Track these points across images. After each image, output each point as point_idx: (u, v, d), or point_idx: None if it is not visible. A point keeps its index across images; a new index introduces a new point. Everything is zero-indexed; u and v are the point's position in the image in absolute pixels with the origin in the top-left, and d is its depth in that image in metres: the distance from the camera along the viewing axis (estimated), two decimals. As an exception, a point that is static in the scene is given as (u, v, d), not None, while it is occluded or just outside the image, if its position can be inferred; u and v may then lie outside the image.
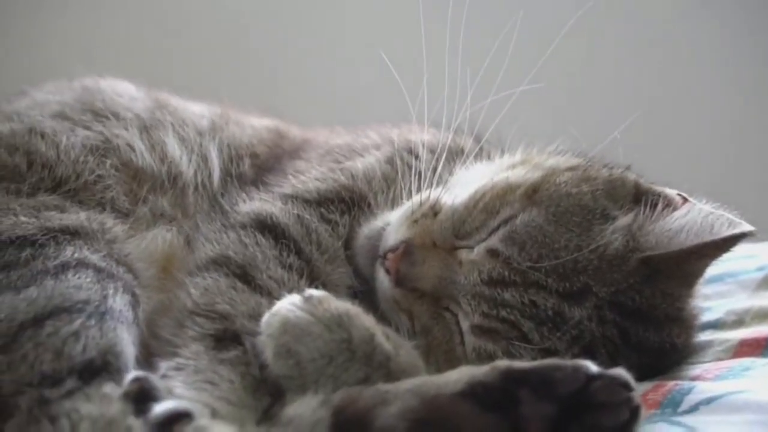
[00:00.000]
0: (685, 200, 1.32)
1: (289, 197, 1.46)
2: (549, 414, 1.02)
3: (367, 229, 1.43)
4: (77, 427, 1.04)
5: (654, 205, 1.31)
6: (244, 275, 1.30)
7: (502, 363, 1.09)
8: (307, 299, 1.17)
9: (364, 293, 1.38)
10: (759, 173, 3.14)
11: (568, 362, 1.05)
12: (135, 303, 1.26)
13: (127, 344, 1.18)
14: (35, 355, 1.11)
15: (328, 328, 1.14)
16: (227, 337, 1.21)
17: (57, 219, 1.32)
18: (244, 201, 1.47)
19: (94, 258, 1.27)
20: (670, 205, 1.32)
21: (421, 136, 1.55)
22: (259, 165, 1.60)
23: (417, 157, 1.51)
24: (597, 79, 3.24)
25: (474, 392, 1.06)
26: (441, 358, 1.28)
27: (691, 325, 1.37)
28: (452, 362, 1.23)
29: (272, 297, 1.24)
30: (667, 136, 3.11)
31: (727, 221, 1.25)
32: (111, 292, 1.22)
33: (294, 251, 1.36)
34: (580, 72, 3.16)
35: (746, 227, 1.25)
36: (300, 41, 3.40)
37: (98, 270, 1.25)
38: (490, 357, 1.22)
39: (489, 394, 1.05)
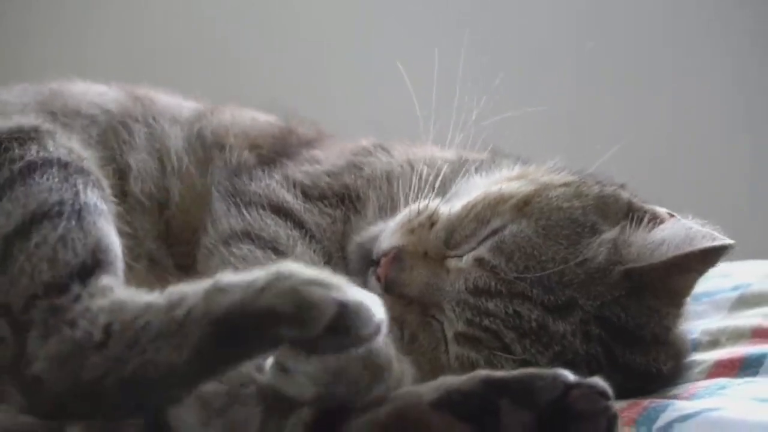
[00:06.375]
0: (672, 217, 1.33)
1: (298, 184, 1.48)
2: (528, 423, 1.02)
3: (359, 236, 1.44)
4: (95, 322, 1.03)
5: (641, 220, 1.32)
6: (275, 250, 1.33)
7: (482, 372, 1.09)
8: None
9: None
10: (744, 193, 3.19)
11: (547, 371, 1.05)
12: (105, 197, 1.25)
13: (110, 234, 1.17)
14: (31, 267, 1.10)
15: (372, 376, 1.09)
16: None
17: (16, 119, 1.31)
18: (253, 180, 1.49)
19: (59, 153, 1.25)
20: (655, 220, 1.32)
21: (428, 150, 1.57)
22: (265, 152, 1.59)
23: (421, 169, 1.51)
24: (598, 102, 3.25)
25: (451, 401, 1.06)
26: (426, 366, 1.28)
27: (680, 351, 1.35)
28: (436, 371, 1.22)
29: None
30: (661, 157, 3.14)
31: (709, 235, 1.26)
32: (81, 187, 1.20)
33: (316, 240, 1.40)
34: (583, 95, 3.18)
35: (726, 240, 1.25)
36: (311, 51, 3.43)
37: (63, 165, 1.23)
38: (473, 366, 1.23)
39: (467, 403, 1.05)
